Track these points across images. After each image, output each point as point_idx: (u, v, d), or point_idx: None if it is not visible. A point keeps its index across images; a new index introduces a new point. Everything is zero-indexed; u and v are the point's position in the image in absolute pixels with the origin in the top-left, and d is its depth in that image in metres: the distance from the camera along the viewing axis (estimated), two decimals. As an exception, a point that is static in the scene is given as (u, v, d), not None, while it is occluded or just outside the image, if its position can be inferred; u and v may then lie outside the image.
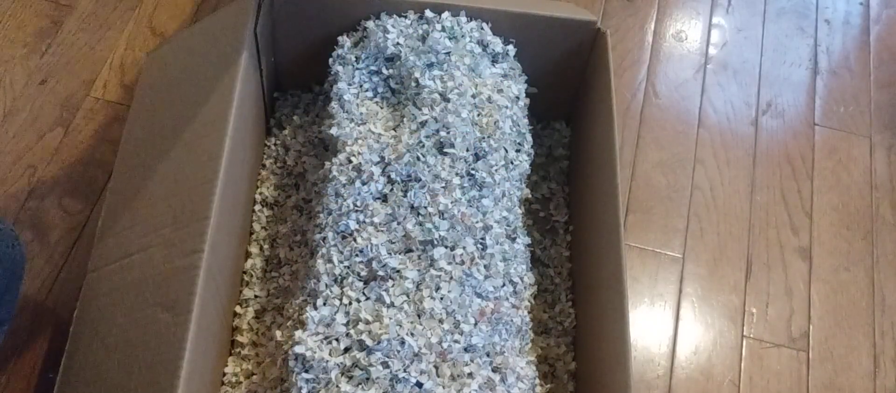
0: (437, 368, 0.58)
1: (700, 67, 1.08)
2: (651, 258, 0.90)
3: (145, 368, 0.58)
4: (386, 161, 0.67)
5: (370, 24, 0.77)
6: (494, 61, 0.78)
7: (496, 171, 0.70)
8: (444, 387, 0.58)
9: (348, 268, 0.62)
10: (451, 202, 0.66)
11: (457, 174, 0.68)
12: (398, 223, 0.64)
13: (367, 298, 0.61)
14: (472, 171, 0.69)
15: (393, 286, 0.61)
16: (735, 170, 0.99)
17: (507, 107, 0.74)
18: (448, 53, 0.74)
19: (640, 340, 0.84)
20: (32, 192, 0.85)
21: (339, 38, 0.78)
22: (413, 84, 0.73)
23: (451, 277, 0.62)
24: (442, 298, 0.61)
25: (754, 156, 1.00)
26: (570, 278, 0.80)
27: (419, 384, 0.57)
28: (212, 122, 0.69)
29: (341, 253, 0.63)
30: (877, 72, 1.11)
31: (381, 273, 0.62)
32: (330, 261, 0.63)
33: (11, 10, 0.99)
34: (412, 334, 0.59)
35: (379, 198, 0.66)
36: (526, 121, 0.77)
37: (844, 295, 0.90)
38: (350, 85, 0.75)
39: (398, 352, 0.58)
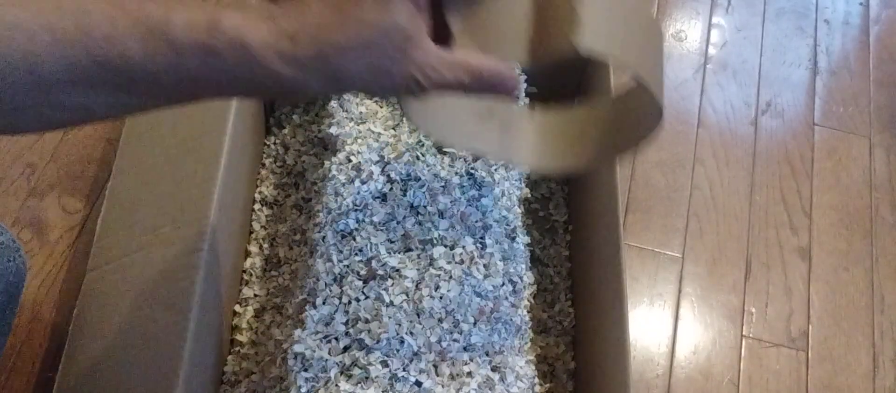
0: (436, 367, 0.58)
1: (699, 67, 1.08)
2: (650, 258, 0.90)
3: (145, 366, 0.58)
4: (385, 160, 0.67)
5: (370, 23, 0.77)
6: (494, 61, 0.78)
7: (495, 170, 0.70)
8: (443, 386, 0.58)
9: (347, 267, 0.62)
10: (451, 201, 0.66)
11: (456, 173, 0.68)
12: (397, 222, 0.64)
13: (367, 297, 0.61)
14: (472, 171, 0.69)
15: (392, 285, 0.61)
16: (734, 170, 0.99)
17: (506, 106, 0.74)
18: (448, 53, 0.74)
19: (640, 339, 0.85)
20: (32, 190, 0.85)
21: (339, 38, 0.78)
22: (413, 83, 0.73)
23: (451, 277, 0.62)
24: (441, 298, 0.61)
25: (754, 156, 1.00)
26: (570, 278, 0.80)
27: (418, 383, 0.57)
28: (211, 121, 0.69)
29: (340, 252, 0.63)
30: (876, 72, 1.11)
31: (380, 272, 0.62)
32: (329, 260, 0.63)
33: (11, 10, 0.99)
34: (411, 333, 0.59)
35: (378, 197, 0.66)
36: (525, 120, 0.77)
37: (844, 295, 0.90)
38: (350, 84, 0.74)
39: (397, 351, 0.58)
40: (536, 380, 0.67)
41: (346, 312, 0.60)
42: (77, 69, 0.33)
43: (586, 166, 0.53)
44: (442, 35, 0.40)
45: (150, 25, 0.34)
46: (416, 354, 0.58)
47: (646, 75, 0.40)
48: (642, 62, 0.40)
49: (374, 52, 0.37)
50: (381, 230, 0.64)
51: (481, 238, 0.66)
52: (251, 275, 0.76)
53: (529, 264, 0.73)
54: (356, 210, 0.65)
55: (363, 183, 0.66)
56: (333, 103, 0.74)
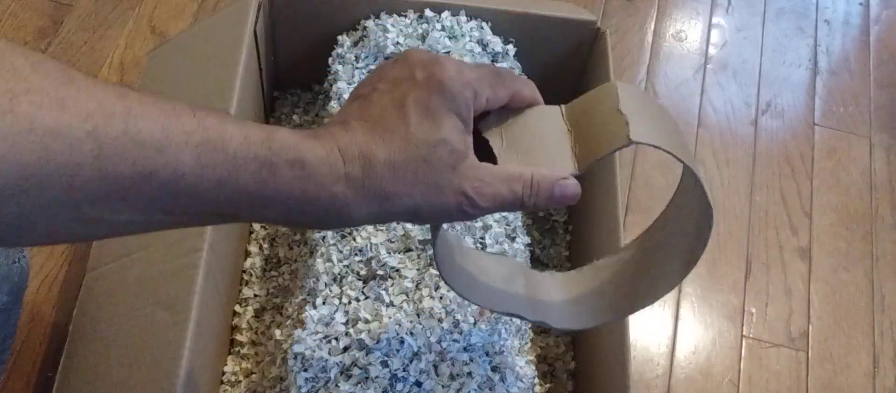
0: (436, 367, 0.58)
1: (700, 67, 1.08)
2: (650, 258, 0.90)
3: (145, 366, 0.58)
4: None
5: (370, 23, 0.77)
6: (494, 61, 0.78)
7: (495, 170, 0.70)
8: (443, 386, 0.58)
9: (347, 267, 0.62)
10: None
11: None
12: (397, 222, 0.64)
13: (367, 298, 0.61)
14: (472, 171, 0.68)
15: (392, 285, 0.61)
16: (734, 170, 0.99)
17: (506, 106, 0.74)
18: (448, 53, 0.74)
19: (640, 339, 0.85)
20: (32, 191, 0.85)
21: (339, 38, 0.78)
22: (413, 83, 0.73)
23: (451, 277, 0.62)
24: (441, 298, 0.61)
25: (754, 156, 1.00)
26: (570, 278, 0.80)
27: (418, 383, 0.57)
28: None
29: (340, 252, 0.63)
30: (877, 72, 1.11)
31: (380, 272, 0.62)
32: (329, 260, 0.63)
33: (11, 10, 0.99)
34: (411, 333, 0.59)
35: (378, 197, 0.66)
36: (525, 120, 0.77)
37: (844, 295, 0.90)
38: (350, 84, 0.75)
39: (397, 351, 0.58)
40: (536, 380, 0.67)
41: (346, 312, 0.60)
42: (118, 181, 0.29)
43: (630, 313, 0.52)
44: (483, 157, 0.39)
45: (206, 136, 0.31)
46: (416, 354, 0.58)
47: (688, 161, 0.41)
48: (684, 152, 0.41)
49: (421, 168, 0.35)
50: (381, 230, 0.64)
51: (481, 238, 0.66)
52: (251, 275, 0.76)
53: (529, 264, 0.73)
54: (356, 210, 0.65)
55: (363, 183, 0.66)
56: (333, 103, 0.74)
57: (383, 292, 0.60)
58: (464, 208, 0.37)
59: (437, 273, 0.61)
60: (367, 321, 0.59)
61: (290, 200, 0.34)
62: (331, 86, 0.76)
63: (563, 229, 0.83)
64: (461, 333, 0.60)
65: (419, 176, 0.36)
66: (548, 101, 0.44)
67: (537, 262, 0.80)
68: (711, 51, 1.10)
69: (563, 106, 0.42)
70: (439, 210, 0.37)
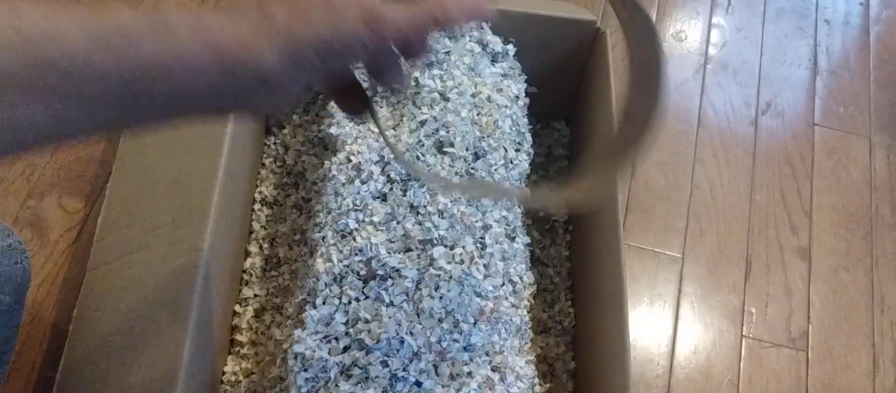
0: (436, 367, 0.58)
1: (700, 67, 1.08)
2: (650, 258, 0.90)
3: (145, 366, 0.58)
4: (385, 160, 0.67)
5: (370, 23, 0.77)
6: (494, 61, 0.78)
7: (495, 170, 0.70)
8: (443, 386, 0.58)
9: (347, 267, 0.62)
10: (451, 201, 0.66)
11: (456, 173, 0.68)
12: (397, 222, 0.64)
13: (367, 298, 0.61)
14: (472, 171, 0.69)
15: (392, 285, 0.61)
16: (734, 170, 0.99)
17: (506, 106, 0.74)
18: (448, 53, 0.74)
19: (640, 339, 0.85)
20: (32, 190, 0.85)
21: (339, 38, 0.78)
22: (412, 83, 0.73)
23: (451, 277, 0.62)
24: (441, 298, 0.61)
25: (754, 156, 1.00)
26: (570, 278, 0.80)
27: (418, 383, 0.57)
28: (211, 121, 0.69)
29: (340, 252, 0.63)
30: (877, 72, 1.11)
31: (380, 272, 0.62)
32: (329, 260, 0.63)
33: (11, 9, 0.99)
34: (411, 333, 0.59)
35: (378, 197, 0.66)
36: (525, 120, 0.77)
37: (844, 295, 0.90)
38: (350, 84, 0.75)
39: (397, 351, 0.58)
40: (536, 380, 0.67)
41: (346, 312, 0.60)
42: (10, 73, 0.31)
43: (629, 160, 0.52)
44: None
45: (96, 15, 0.33)
46: (416, 354, 0.58)
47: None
48: None
49: (316, 2, 0.36)
50: (381, 230, 0.64)
51: (481, 238, 0.66)
52: (251, 275, 0.76)
53: (529, 264, 0.73)
54: (356, 210, 0.65)
55: (363, 183, 0.66)
56: (334, 103, 0.74)
57: (383, 292, 0.60)
58: (367, 21, 0.37)
59: (437, 273, 0.61)
60: (367, 321, 0.59)
61: (195, 62, 0.34)
62: (331, 86, 0.76)
63: (563, 229, 0.83)
64: (461, 333, 0.60)
65: (314, 4, 0.36)
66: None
67: (537, 261, 0.80)
68: (711, 51, 1.10)
69: None
70: (348, 36, 0.37)
